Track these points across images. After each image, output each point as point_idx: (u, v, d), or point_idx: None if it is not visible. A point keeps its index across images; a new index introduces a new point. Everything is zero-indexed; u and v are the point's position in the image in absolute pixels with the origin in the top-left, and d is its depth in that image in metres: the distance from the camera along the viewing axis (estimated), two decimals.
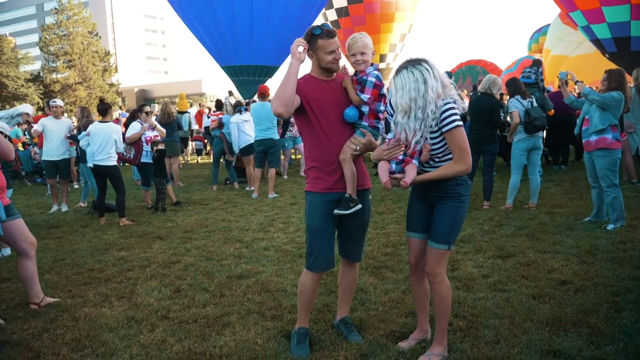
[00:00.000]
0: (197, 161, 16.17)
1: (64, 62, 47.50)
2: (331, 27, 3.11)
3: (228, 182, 10.48)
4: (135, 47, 79.20)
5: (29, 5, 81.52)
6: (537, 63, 9.04)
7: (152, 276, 4.89)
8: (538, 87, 8.45)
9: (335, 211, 3.11)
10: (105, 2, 76.42)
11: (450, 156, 2.95)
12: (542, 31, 22.27)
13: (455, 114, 2.88)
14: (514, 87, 6.92)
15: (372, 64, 3.13)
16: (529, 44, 24.56)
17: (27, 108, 7.61)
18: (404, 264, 4.84)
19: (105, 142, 7.19)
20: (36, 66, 50.48)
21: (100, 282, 4.81)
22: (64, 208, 8.71)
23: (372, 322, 3.63)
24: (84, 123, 8.10)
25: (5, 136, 6.01)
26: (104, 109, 7.35)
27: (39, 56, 50.07)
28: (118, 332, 3.68)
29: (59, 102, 8.66)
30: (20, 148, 13.65)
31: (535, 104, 6.80)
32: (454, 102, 2.91)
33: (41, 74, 48.43)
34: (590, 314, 3.60)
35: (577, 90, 7.69)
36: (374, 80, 3.09)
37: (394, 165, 3.00)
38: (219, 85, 56.55)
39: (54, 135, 8.31)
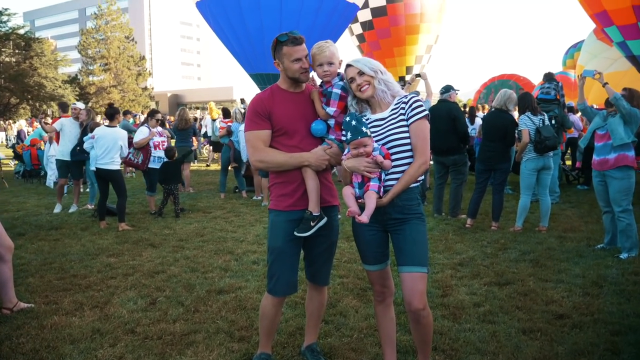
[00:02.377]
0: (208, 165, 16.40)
1: (100, 65, 48.76)
2: (299, 35, 2.90)
3: (237, 190, 10.36)
4: (171, 53, 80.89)
5: (72, 9, 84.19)
6: (549, 77, 8.54)
7: (132, 285, 4.76)
8: (558, 104, 8.07)
9: (295, 232, 2.90)
10: (144, 9, 78.31)
11: (404, 154, 2.75)
12: (577, 47, 21.61)
13: (423, 105, 2.80)
14: (524, 102, 6.57)
15: (338, 74, 2.91)
16: (563, 60, 23.90)
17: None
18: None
19: (110, 147, 7.13)
20: (74, 68, 51.88)
21: (80, 289, 4.70)
22: (73, 208, 8.72)
23: (343, 351, 3.39)
24: (91, 125, 8.10)
25: None
26: (112, 114, 7.32)
27: (78, 59, 51.42)
28: (79, 344, 3.53)
29: (79, 104, 8.83)
30: (42, 148, 13.84)
31: (547, 122, 6.43)
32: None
33: (78, 76, 49.76)
34: (584, 356, 3.29)
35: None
36: (339, 92, 2.88)
37: (357, 190, 2.78)
38: (249, 92, 57.04)
39: (70, 136, 8.48)
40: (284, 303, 4.18)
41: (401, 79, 21.96)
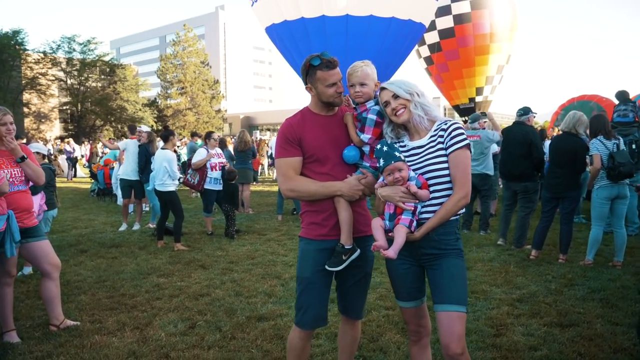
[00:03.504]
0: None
1: (177, 89, 51.23)
2: (332, 57, 2.77)
3: (294, 212, 10.32)
4: (244, 77, 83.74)
5: (153, 37, 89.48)
6: (624, 97, 7.75)
7: (175, 308, 4.76)
8: (639, 126, 7.41)
9: (327, 266, 2.74)
10: (220, 35, 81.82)
11: (443, 186, 2.54)
12: None
13: (464, 133, 2.57)
14: (597, 125, 6.04)
15: (375, 97, 2.75)
16: None
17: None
18: None
19: (157, 169, 7.34)
20: (153, 92, 54.83)
21: (126, 308, 4.76)
22: (136, 227, 9.02)
23: None
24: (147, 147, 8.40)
25: (44, 157, 6.28)
26: (166, 136, 7.53)
27: (157, 83, 54.34)
28: None
29: (144, 128, 9.18)
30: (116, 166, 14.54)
31: (622, 147, 5.88)
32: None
33: (157, 100, 52.55)
34: None
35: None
36: (374, 117, 2.71)
37: (387, 222, 2.59)
38: None
39: (135, 157, 8.81)
40: (322, 334, 4.04)
41: (471, 100, 21.40)
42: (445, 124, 2.59)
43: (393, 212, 2.56)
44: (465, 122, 20.23)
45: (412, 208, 2.52)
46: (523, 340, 3.95)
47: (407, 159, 2.60)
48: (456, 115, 24.93)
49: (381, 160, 2.56)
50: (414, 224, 2.51)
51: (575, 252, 6.70)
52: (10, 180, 3.92)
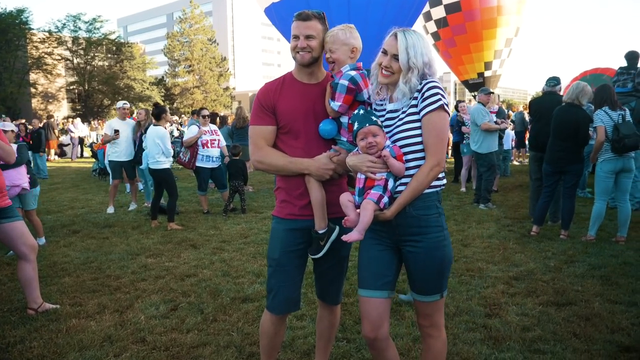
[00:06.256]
0: None
1: (184, 67, 50.84)
2: (312, 11, 2.51)
3: None
4: (252, 54, 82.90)
5: (161, 15, 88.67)
6: (632, 57, 7.35)
7: (159, 289, 4.63)
8: (638, 96, 7.06)
9: (309, 254, 2.58)
10: (227, 12, 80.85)
11: (418, 155, 2.26)
12: None
13: (440, 93, 2.25)
14: (602, 95, 5.74)
15: (360, 68, 2.48)
16: None
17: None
18: None
19: (150, 146, 7.14)
20: (160, 71, 54.49)
21: (109, 290, 4.63)
22: (132, 206, 8.85)
23: None
24: (147, 126, 8.18)
25: (16, 135, 6.10)
26: (158, 113, 7.31)
27: (164, 61, 53.92)
28: (86, 352, 3.41)
29: (125, 104, 8.78)
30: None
31: (628, 118, 5.59)
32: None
33: (164, 78, 52.24)
34: None
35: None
36: (346, 83, 2.42)
37: (356, 197, 2.34)
38: None
39: (122, 137, 8.45)
40: (307, 315, 3.89)
41: (480, 75, 20.92)
42: (421, 84, 2.27)
43: (362, 186, 2.30)
44: (474, 97, 19.86)
45: (382, 180, 2.26)
46: (516, 320, 3.77)
47: (383, 125, 2.34)
48: (466, 91, 24.43)
49: (355, 124, 2.31)
50: (385, 200, 2.24)
51: (579, 227, 6.48)
52: None
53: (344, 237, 2.23)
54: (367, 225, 2.22)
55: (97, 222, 7.75)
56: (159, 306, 4.22)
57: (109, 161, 8.82)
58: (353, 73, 2.46)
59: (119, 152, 8.49)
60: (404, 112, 2.31)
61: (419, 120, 2.26)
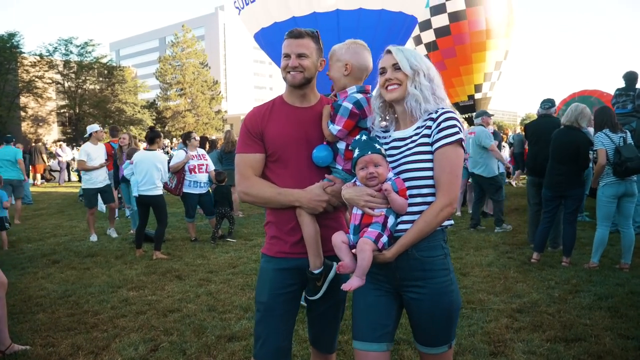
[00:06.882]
0: None
1: (176, 90, 50.80)
2: (304, 29, 2.34)
3: None
4: (244, 77, 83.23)
5: (153, 39, 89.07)
6: (630, 79, 7.24)
7: (140, 327, 4.31)
8: (639, 117, 6.93)
9: (306, 296, 2.34)
10: (219, 36, 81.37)
11: (425, 190, 2.01)
12: None
13: (457, 125, 2.01)
14: (602, 118, 5.58)
15: (360, 85, 2.27)
16: None
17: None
18: None
19: (149, 171, 6.85)
20: (152, 94, 54.40)
21: (85, 328, 4.31)
22: (113, 234, 8.51)
23: None
24: (129, 151, 7.90)
25: None
26: (152, 137, 7.06)
27: (156, 85, 53.85)
28: None
29: (98, 127, 8.37)
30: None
31: (629, 141, 5.42)
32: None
33: (156, 102, 52.13)
34: None
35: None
36: (349, 106, 2.19)
37: (351, 236, 2.08)
38: None
39: (95, 163, 8.08)
40: (299, 356, 3.60)
41: (470, 98, 20.99)
42: (436, 113, 2.04)
43: (358, 223, 2.04)
44: (466, 119, 19.86)
45: (381, 217, 2.00)
46: (523, 359, 3.50)
47: (387, 154, 2.09)
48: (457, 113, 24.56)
49: (356, 151, 2.06)
50: (384, 239, 1.97)
51: (580, 253, 6.25)
52: None
53: (344, 287, 1.99)
54: (366, 268, 1.96)
55: (79, 250, 7.42)
56: (138, 346, 3.90)
57: (83, 189, 8.33)
58: (359, 96, 2.24)
59: (94, 178, 8.11)
60: (413, 141, 2.06)
61: (430, 152, 2.01)
